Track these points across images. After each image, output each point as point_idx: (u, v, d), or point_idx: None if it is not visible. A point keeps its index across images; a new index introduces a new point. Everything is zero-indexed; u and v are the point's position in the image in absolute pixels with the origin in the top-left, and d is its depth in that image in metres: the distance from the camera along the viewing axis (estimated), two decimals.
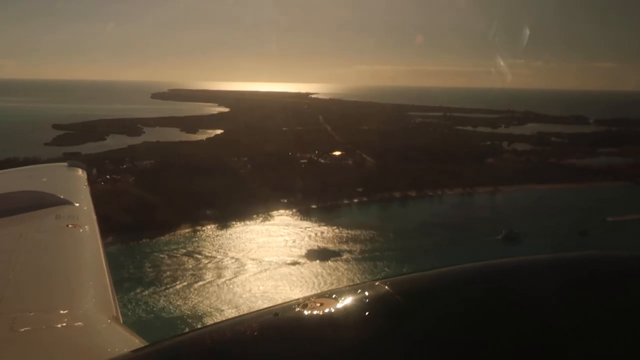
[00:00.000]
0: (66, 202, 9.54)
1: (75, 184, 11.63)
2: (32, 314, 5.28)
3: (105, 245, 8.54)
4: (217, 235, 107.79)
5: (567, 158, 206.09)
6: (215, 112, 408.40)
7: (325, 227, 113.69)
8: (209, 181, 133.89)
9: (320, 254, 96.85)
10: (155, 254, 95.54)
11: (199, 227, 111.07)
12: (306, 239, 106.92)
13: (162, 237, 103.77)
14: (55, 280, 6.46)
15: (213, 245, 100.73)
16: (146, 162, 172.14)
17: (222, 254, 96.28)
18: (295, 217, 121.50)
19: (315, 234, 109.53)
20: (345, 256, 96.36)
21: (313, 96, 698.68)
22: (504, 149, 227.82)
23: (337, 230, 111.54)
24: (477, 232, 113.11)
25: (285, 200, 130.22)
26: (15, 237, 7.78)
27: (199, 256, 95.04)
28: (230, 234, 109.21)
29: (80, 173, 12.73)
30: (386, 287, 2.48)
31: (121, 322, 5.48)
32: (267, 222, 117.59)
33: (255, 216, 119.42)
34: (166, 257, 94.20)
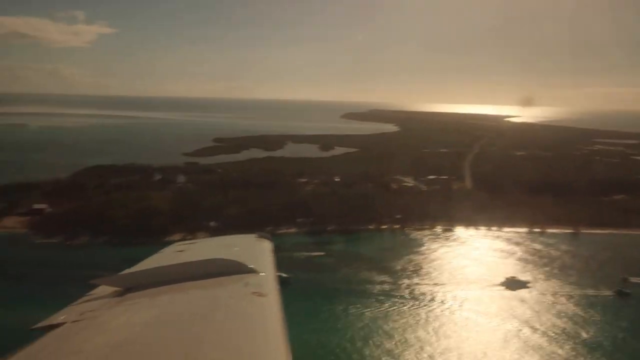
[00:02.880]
0: (253, 271, 10.54)
1: (262, 254, 12.91)
2: None
3: None
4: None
5: None
6: (377, 132, 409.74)
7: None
8: (242, 197, 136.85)
9: None
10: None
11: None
12: None
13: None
14: (242, 345, 7.09)
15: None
16: (234, 174, 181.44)
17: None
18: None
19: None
20: None
21: (509, 119, 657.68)
22: None
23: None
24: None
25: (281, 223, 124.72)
26: (209, 300, 9.03)
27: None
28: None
29: (267, 244, 14.29)
30: None
31: None
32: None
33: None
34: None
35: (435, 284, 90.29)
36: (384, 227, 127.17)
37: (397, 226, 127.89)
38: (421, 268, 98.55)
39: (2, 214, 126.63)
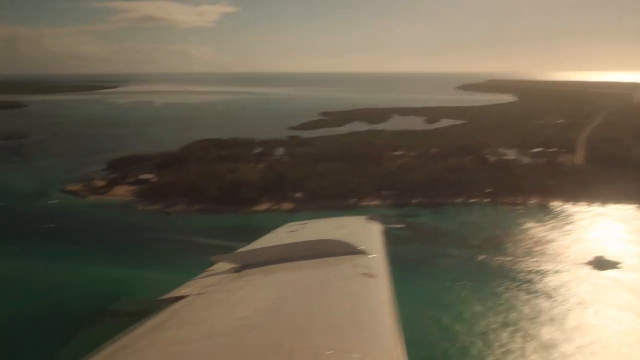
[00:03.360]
0: (362, 253, 10.78)
1: (372, 237, 13.12)
2: (331, 352, 6.20)
3: None
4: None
5: None
6: (491, 104, 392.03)
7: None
8: (331, 169, 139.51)
9: None
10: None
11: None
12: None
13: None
14: (351, 324, 7.31)
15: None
16: (329, 147, 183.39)
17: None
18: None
19: None
20: None
21: None
22: None
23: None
24: None
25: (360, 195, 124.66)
26: (320, 279, 9.34)
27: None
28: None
29: (376, 226, 14.70)
30: None
31: None
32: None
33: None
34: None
35: (511, 260, 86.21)
36: (472, 200, 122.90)
37: (487, 200, 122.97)
38: (500, 242, 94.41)
39: (114, 184, 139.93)
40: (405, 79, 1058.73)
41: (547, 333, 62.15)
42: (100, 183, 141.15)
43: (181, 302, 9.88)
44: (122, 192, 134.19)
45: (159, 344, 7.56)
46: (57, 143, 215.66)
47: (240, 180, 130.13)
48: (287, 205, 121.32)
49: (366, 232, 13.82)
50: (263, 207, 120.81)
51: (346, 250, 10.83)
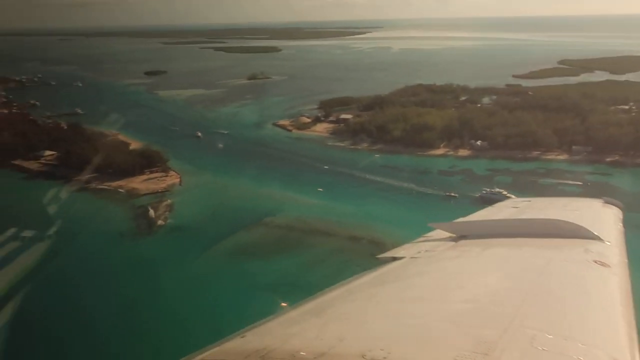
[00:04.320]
0: (597, 238, 9.70)
1: (609, 222, 11.79)
2: (551, 336, 5.60)
3: None
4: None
5: None
6: None
7: None
8: (528, 120, 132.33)
9: None
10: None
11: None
12: None
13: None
14: (576, 312, 6.59)
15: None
16: (541, 98, 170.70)
17: None
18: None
19: None
20: None
21: None
22: None
23: None
24: None
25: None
26: (543, 259, 8.72)
27: None
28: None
29: (615, 211, 12.98)
30: None
31: None
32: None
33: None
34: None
35: None
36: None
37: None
38: None
39: (317, 121, 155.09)
40: None
41: None
42: (307, 120, 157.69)
43: (398, 263, 10.22)
44: (321, 129, 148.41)
45: (377, 299, 8.04)
46: (290, 84, 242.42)
47: (425, 124, 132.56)
48: (463, 152, 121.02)
49: (601, 216, 12.17)
50: (439, 151, 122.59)
51: (576, 233, 9.90)
